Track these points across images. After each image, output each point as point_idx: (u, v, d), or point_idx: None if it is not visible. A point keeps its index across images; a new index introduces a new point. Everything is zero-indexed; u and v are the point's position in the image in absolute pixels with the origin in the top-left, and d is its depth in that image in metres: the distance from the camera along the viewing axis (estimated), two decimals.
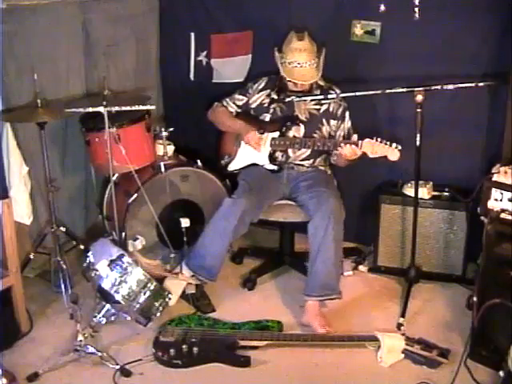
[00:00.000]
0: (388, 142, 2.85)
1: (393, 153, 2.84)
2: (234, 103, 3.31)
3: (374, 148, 2.86)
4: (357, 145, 2.90)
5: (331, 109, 3.18)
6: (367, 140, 2.88)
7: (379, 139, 2.86)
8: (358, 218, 3.52)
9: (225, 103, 3.33)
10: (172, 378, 2.55)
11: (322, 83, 3.17)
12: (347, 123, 3.21)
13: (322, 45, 3.08)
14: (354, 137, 3.01)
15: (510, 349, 2.29)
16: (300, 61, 2.99)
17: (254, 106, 3.26)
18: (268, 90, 3.22)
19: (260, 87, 3.25)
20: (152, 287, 2.70)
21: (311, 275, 2.93)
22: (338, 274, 2.95)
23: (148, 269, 2.86)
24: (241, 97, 3.29)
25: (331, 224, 2.85)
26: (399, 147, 2.83)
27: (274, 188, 3.18)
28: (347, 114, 3.20)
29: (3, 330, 2.63)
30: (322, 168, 3.25)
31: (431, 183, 3.22)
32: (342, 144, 2.94)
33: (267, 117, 3.20)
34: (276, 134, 3.15)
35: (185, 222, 3.08)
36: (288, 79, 3.05)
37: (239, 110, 3.31)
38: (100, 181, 3.46)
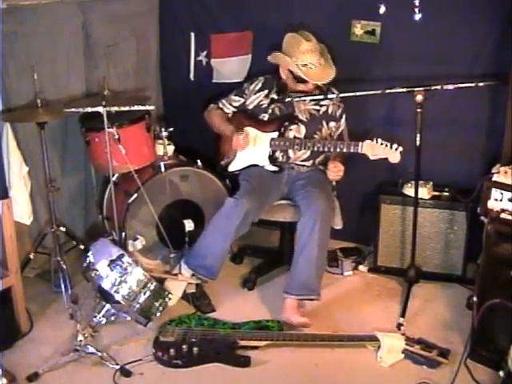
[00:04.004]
0: (389, 144, 2.85)
1: (393, 155, 2.84)
2: (230, 104, 3.31)
3: (375, 150, 2.86)
4: (357, 147, 2.90)
5: (330, 111, 3.18)
6: (368, 142, 2.88)
7: (380, 140, 2.86)
8: (358, 218, 3.52)
9: (221, 105, 3.33)
10: (172, 378, 2.55)
11: (320, 84, 3.17)
12: (342, 125, 3.22)
13: (320, 42, 3.08)
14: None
15: (510, 349, 2.29)
16: (313, 61, 2.99)
17: (251, 106, 3.25)
18: (266, 91, 3.21)
19: (257, 88, 3.24)
20: (152, 287, 2.70)
21: (292, 273, 2.94)
22: (319, 276, 2.94)
23: (148, 269, 2.86)
24: (237, 98, 3.29)
25: (318, 225, 2.85)
26: (400, 149, 2.83)
27: (275, 188, 3.18)
28: (344, 116, 3.20)
29: (3, 330, 2.63)
30: (321, 168, 3.25)
31: (431, 183, 3.23)
32: (331, 165, 2.98)
33: (265, 117, 3.20)
34: (275, 134, 3.14)
35: (189, 226, 3.07)
36: (300, 80, 3.02)
37: (236, 111, 3.31)
38: (100, 181, 3.46)
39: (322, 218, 2.88)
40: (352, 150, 2.93)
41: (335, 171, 2.99)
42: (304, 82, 3.04)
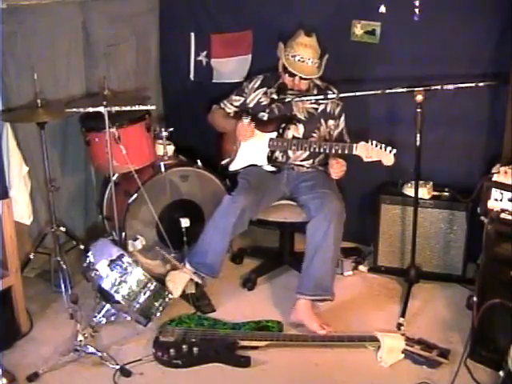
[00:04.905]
0: (383, 146, 2.84)
1: (387, 157, 2.84)
2: (231, 104, 3.32)
3: (369, 152, 2.86)
4: (351, 148, 2.90)
5: (328, 109, 3.19)
6: (362, 143, 2.88)
7: (374, 142, 2.85)
8: (358, 218, 3.52)
9: (222, 105, 3.35)
10: (172, 377, 2.55)
11: (319, 83, 3.19)
12: (342, 123, 3.22)
13: (324, 50, 3.08)
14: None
15: (510, 349, 2.29)
16: (304, 56, 3.00)
17: (251, 105, 3.26)
18: (264, 88, 3.23)
19: (256, 86, 3.25)
20: (152, 287, 2.70)
21: (306, 274, 2.92)
22: (333, 276, 2.94)
23: (148, 269, 2.86)
24: (237, 97, 3.30)
25: (333, 225, 2.85)
26: (394, 151, 2.82)
27: (274, 187, 3.18)
28: (343, 114, 3.21)
29: (3, 330, 2.63)
30: (322, 168, 3.25)
31: (431, 183, 3.22)
32: (334, 162, 2.98)
33: (265, 116, 3.21)
34: (274, 135, 3.15)
35: (185, 222, 3.08)
36: (287, 73, 3.03)
37: (237, 110, 3.31)
38: (100, 181, 3.47)
39: (337, 219, 2.88)
40: (346, 152, 2.93)
41: (338, 167, 2.98)
42: (291, 75, 3.04)
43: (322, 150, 3.02)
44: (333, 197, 2.96)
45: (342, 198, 3.04)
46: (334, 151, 2.97)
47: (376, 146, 2.85)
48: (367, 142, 2.87)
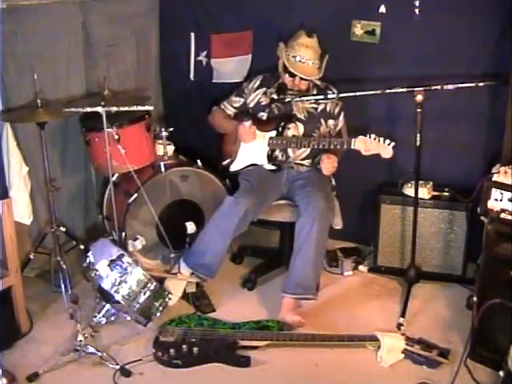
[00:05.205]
0: (381, 139, 2.85)
1: (385, 150, 2.85)
2: (231, 105, 3.32)
3: (367, 145, 2.87)
4: (350, 143, 2.90)
5: (328, 109, 3.19)
6: (360, 137, 2.89)
7: (373, 136, 2.86)
8: (358, 218, 3.52)
9: (222, 106, 3.35)
10: (172, 377, 2.55)
11: (318, 83, 3.18)
12: (341, 122, 3.22)
13: (325, 51, 3.08)
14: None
15: (510, 349, 2.29)
16: (305, 56, 3.00)
17: (251, 105, 3.26)
18: (264, 89, 3.23)
19: (255, 86, 3.25)
20: (152, 287, 2.70)
21: (289, 273, 2.95)
22: (316, 275, 2.95)
23: (148, 269, 2.86)
24: (237, 98, 3.30)
25: (316, 225, 2.86)
26: (392, 144, 2.83)
27: (274, 187, 3.18)
28: (342, 113, 3.21)
29: (3, 330, 2.63)
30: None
31: (431, 183, 3.23)
32: (324, 157, 2.99)
33: (264, 116, 3.21)
34: (273, 133, 3.15)
35: (191, 229, 3.08)
36: (287, 73, 3.04)
37: (238, 111, 3.31)
38: (100, 181, 3.47)
39: (321, 218, 2.88)
40: (345, 147, 2.94)
41: (329, 162, 3.00)
42: (292, 75, 3.04)
43: (321, 147, 3.03)
44: (319, 196, 2.95)
45: (330, 197, 3.05)
46: (332, 147, 2.98)
47: (374, 139, 2.86)
48: (365, 136, 2.87)
